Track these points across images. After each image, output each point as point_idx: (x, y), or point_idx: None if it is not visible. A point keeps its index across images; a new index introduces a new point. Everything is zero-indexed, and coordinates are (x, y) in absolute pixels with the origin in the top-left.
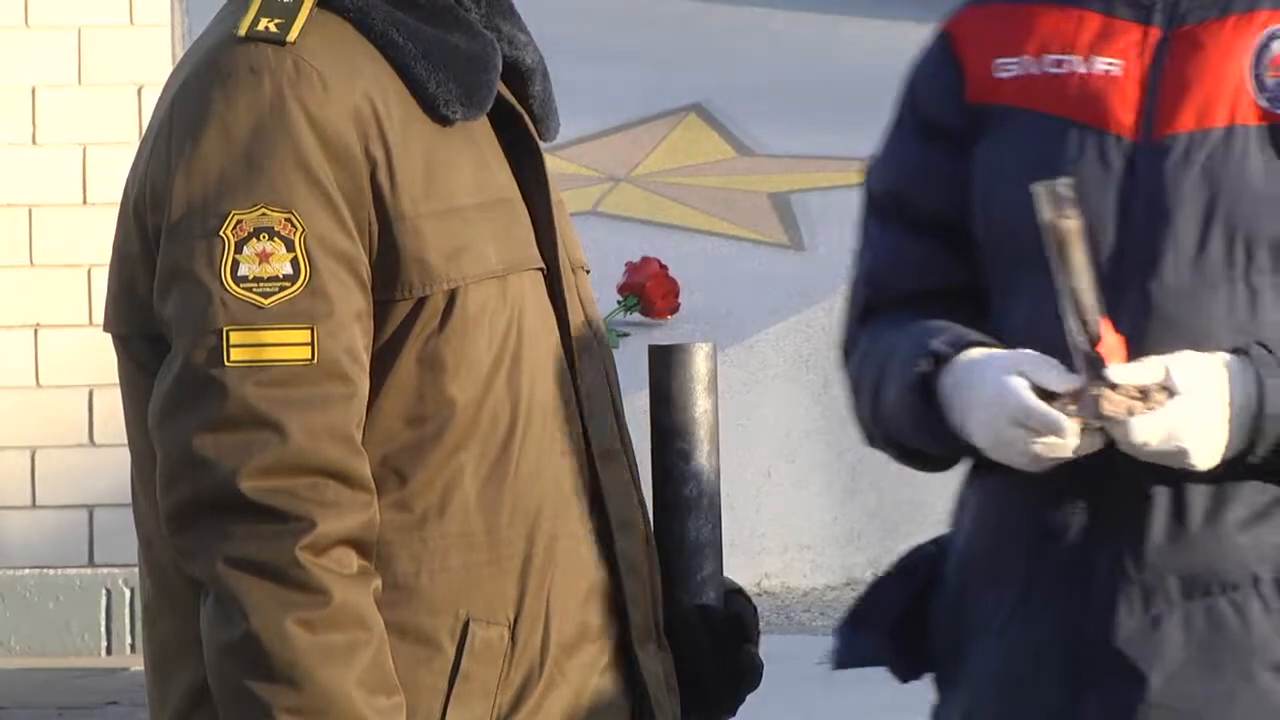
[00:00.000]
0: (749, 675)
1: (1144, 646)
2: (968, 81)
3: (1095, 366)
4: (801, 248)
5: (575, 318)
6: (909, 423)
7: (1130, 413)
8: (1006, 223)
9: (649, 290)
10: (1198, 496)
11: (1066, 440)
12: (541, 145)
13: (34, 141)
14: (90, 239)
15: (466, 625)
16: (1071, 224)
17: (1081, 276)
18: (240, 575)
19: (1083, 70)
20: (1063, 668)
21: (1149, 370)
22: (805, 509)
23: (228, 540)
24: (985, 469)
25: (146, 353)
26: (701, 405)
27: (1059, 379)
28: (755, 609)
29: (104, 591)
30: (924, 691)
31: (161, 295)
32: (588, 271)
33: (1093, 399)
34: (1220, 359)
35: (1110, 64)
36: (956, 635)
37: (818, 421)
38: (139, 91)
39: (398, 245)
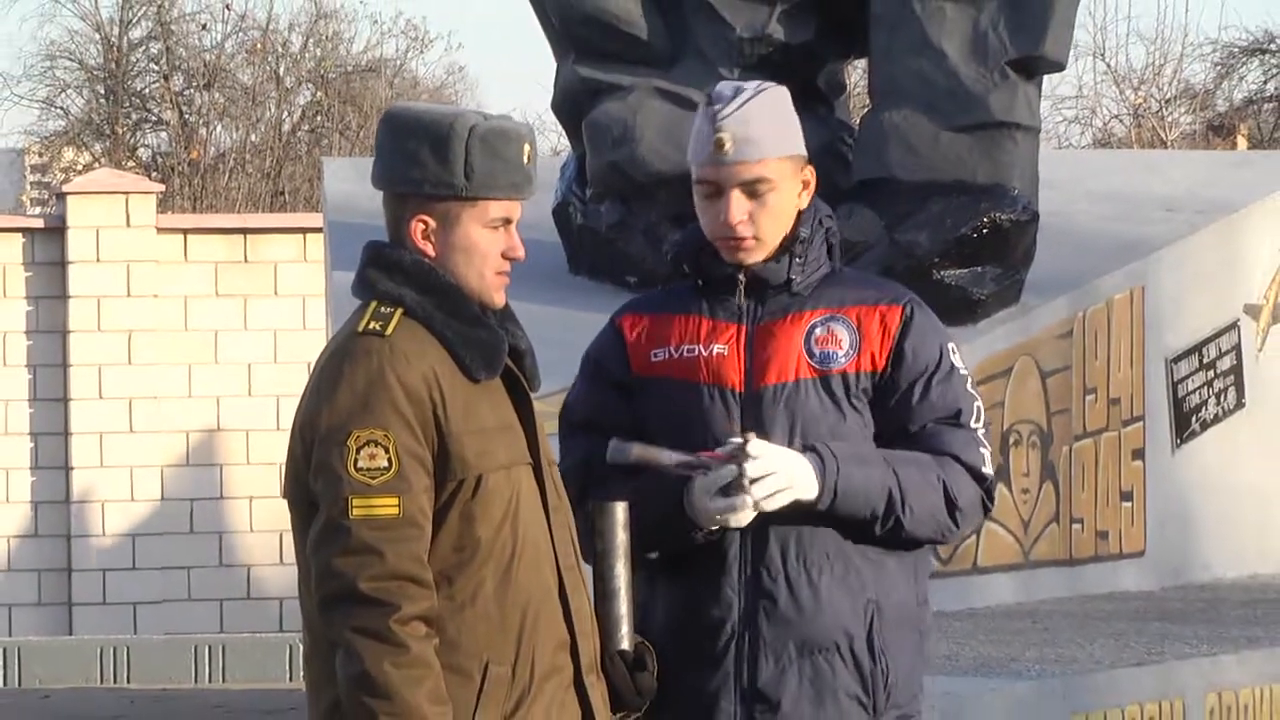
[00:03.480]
0: (648, 691)
1: (777, 686)
2: (631, 360)
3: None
4: None
5: (549, 492)
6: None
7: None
8: (673, 437)
9: None
10: (803, 587)
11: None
12: (531, 394)
13: (249, 394)
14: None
15: (486, 665)
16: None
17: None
18: (357, 637)
19: (705, 353)
20: (731, 703)
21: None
22: None
23: (352, 617)
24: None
25: (305, 511)
26: (620, 538)
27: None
28: (653, 651)
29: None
30: None
31: (314, 478)
32: (557, 465)
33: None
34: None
35: (721, 348)
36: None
37: None
38: (308, 365)
39: (449, 450)
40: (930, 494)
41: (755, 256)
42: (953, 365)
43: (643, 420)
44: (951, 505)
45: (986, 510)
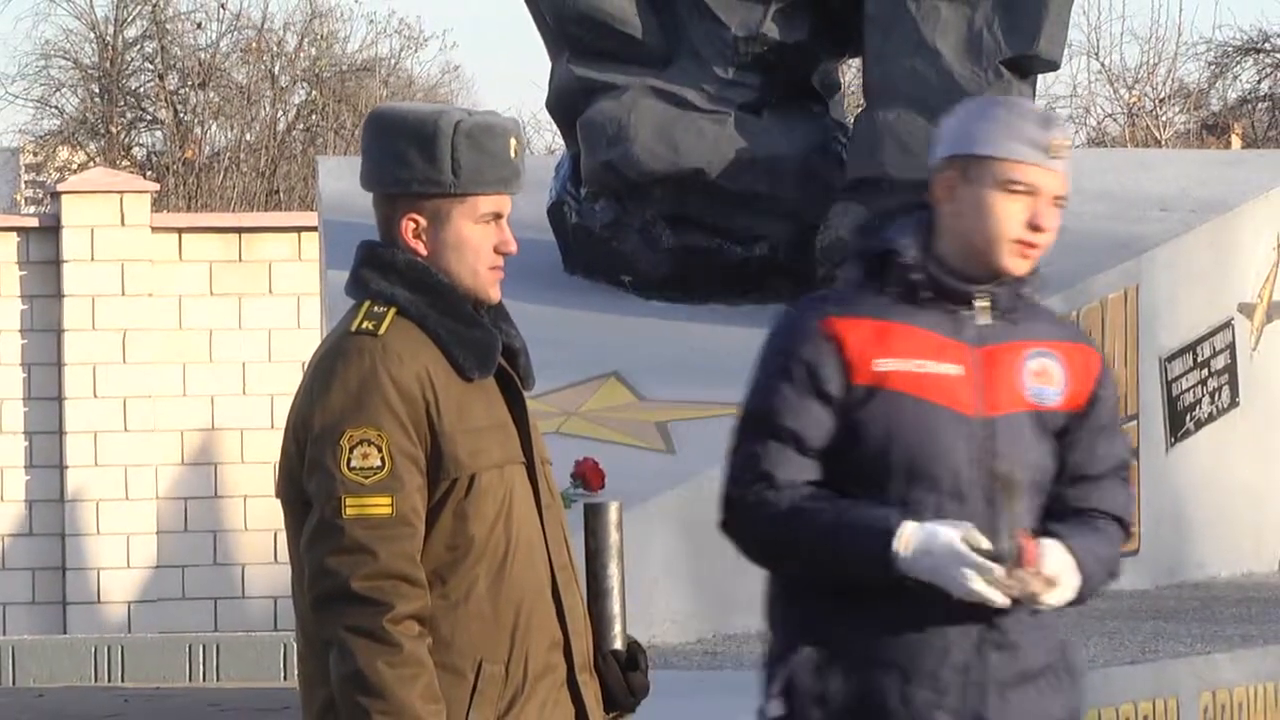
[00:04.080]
0: (640, 692)
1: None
2: (852, 368)
3: (1018, 561)
4: (672, 451)
5: (542, 491)
6: (861, 564)
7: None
8: (904, 457)
9: (588, 475)
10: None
11: (996, 596)
12: (525, 393)
13: (244, 393)
14: None
15: (480, 664)
16: (1017, 478)
17: (1015, 509)
18: (351, 636)
19: (937, 371)
20: None
21: (1046, 564)
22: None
23: (345, 616)
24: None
25: (299, 510)
26: (613, 538)
27: (986, 541)
28: (645, 651)
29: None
30: None
31: (307, 477)
32: (551, 464)
33: (1019, 578)
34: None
35: (954, 369)
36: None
37: (685, 546)
38: (303, 364)
39: (442, 449)
40: (1102, 573)
41: (1026, 269)
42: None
43: (857, 431)
44: (1108, 578)
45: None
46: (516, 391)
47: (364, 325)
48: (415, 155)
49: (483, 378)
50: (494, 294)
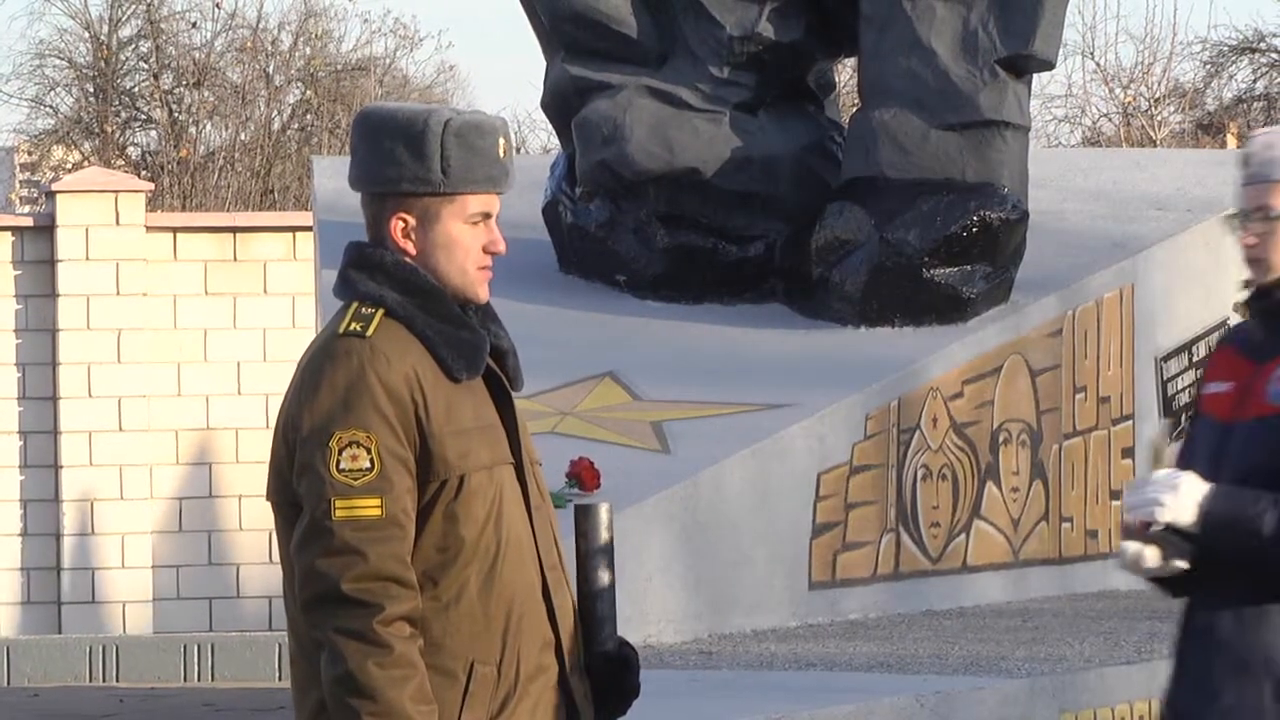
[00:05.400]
0: (632, 693)
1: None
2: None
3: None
4: (668, 451)
5: (532, 492)
6: None
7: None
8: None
9: (583, 475)
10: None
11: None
12: (514, 394)
13: (239, 392)
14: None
15: (472, 665)
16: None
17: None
18: (341, 638)
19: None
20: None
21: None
22: (671, 604)
23: (335, 618)
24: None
25: (289, 512)
26: (604, 538)
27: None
28: (637, 652)
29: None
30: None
31: (297, 479)
32: (540, 465)
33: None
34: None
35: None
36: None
37: (681, 546)
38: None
39: (431, 450)
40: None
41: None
42: None
43: None
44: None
45: None
46: (505, 392)
47: (352, 327)
48: (404, 154)
49: (471, 379)
50: (482, 294)
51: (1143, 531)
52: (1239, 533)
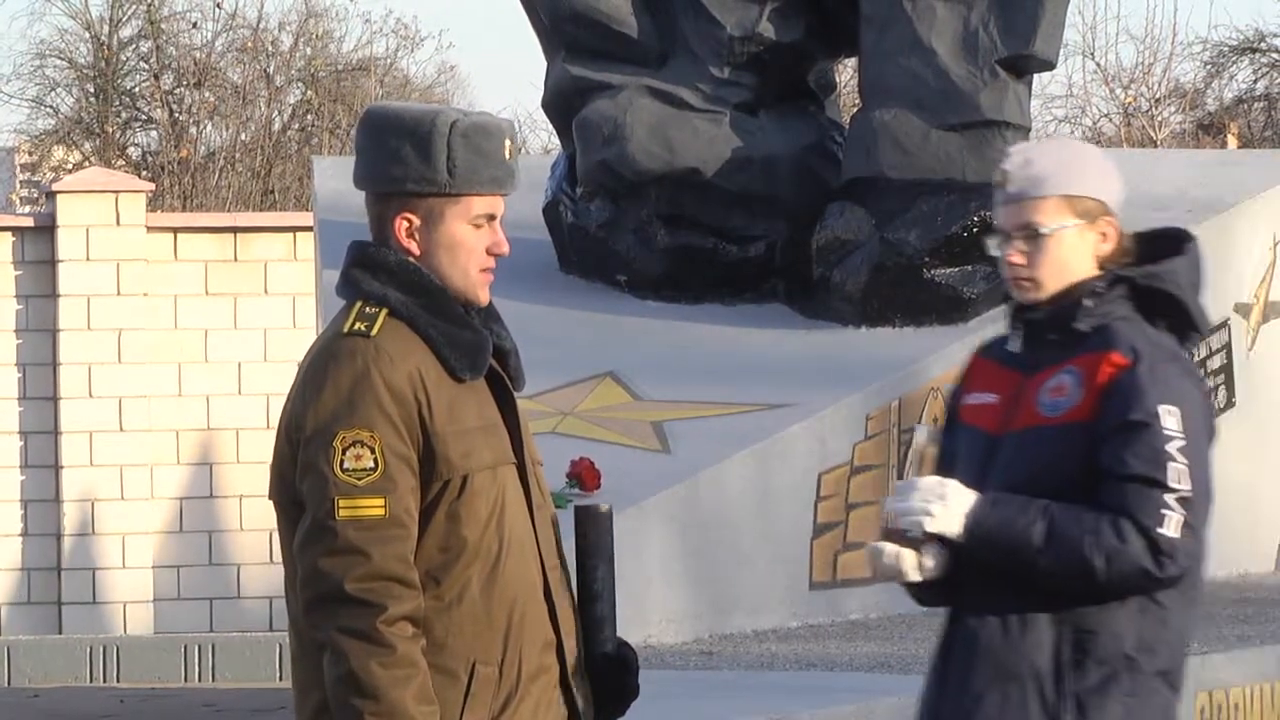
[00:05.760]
0: (631, 694)
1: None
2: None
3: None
4: (668, 451)
5: (534, 492)
6: None
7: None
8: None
9: (583, 475)
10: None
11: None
12: (516, 394)
13: (240, 393)
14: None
15: (473, 666)
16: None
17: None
18: (344, 637)
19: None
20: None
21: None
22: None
23: (338, 618)
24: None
25: (291, 511)
26: (604, 539)
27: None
28: (636, 653)
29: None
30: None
31: (300, 479)
32: (542, 464)
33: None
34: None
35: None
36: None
37: (681, 546)
38: (298, 364)
39: (434, 450)
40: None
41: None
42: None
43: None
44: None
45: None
46: (507, 392)
47: (356, 326)
48: (410, 154)
49: (474, 379)
50: (484, 296)
51: (899, 534)
52: (1008, 544)
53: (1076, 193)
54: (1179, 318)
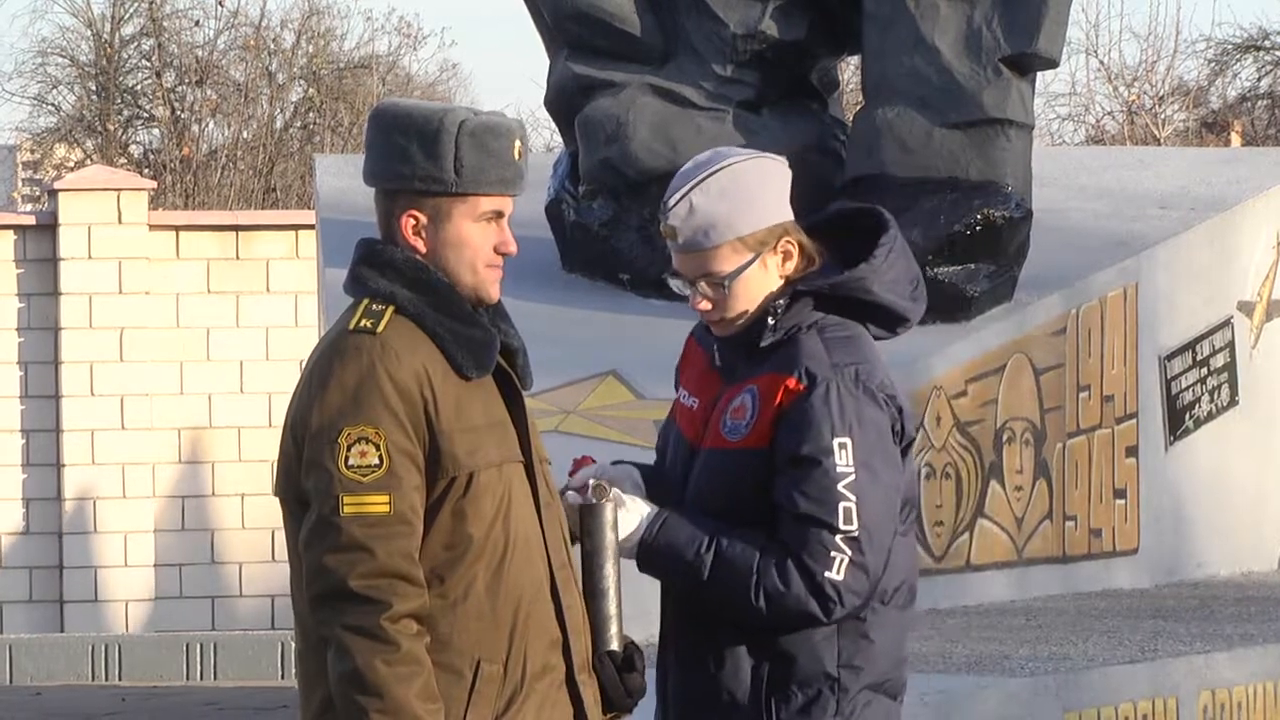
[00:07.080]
0: (638, 690)
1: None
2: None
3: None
4: None
5: (541, 490)
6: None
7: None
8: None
9: None
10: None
11: None
12: (523, 392)
13: (241, 391)
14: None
15: (478, 664)
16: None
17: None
18: (349, 634)
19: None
20: None
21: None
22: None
23: (343, 615)
24: None
25: (297, 508)
26: (609, 538)
27: None
28: (642, 652)
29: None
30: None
31: (305, 475)
32: (549, 463)
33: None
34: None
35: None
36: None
37: None
38: (300, 362)
39: (440, 448)
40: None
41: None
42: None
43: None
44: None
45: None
46: (515, 391)
47: (362, 323)
48: (418, 152)
49: (481, 377)
50: (493, 293)
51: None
52: (678, 573)
53: (747, 231)
54: (880, 313)
